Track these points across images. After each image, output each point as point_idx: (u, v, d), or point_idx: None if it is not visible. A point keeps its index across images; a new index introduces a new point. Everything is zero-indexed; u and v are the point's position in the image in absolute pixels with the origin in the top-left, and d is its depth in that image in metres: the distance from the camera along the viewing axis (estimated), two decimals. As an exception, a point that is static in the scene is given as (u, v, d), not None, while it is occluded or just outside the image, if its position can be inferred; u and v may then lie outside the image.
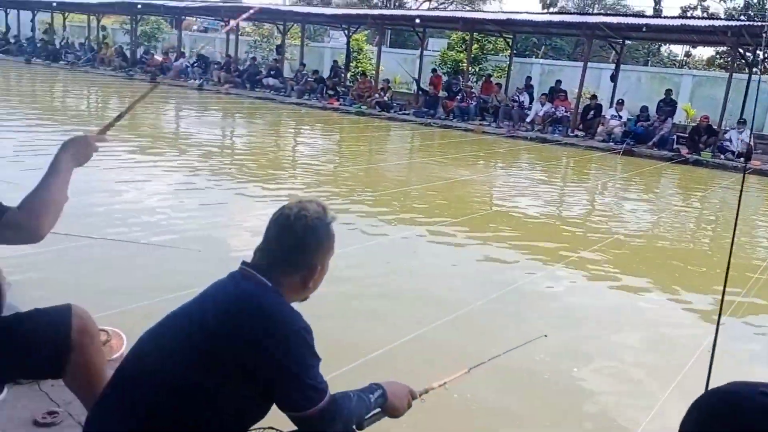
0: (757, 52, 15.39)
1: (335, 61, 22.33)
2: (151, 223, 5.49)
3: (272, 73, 21.15)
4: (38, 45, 27.44)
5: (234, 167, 8.75)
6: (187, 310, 1.60)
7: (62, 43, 27.94)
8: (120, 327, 2.88)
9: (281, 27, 23.27)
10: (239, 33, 24.02)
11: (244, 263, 1.63)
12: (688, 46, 30.32)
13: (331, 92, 19.40)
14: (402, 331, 3.67)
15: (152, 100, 17.11)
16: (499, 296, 4.48)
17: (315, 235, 1.59)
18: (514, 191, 9.20)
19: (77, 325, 1.82)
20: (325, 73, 21.21)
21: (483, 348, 3.13)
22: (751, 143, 13.44)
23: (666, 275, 5.64)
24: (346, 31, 22.22)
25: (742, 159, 13.25)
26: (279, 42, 24.42)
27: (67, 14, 29.84)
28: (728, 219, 8.32)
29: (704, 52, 32.46)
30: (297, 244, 1.58)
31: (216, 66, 22.47)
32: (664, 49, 33.64)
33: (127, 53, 25.08)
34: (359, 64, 23.38)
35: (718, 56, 31.11)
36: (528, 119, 15.87)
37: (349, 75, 21.91)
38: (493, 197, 8.76)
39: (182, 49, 25.71)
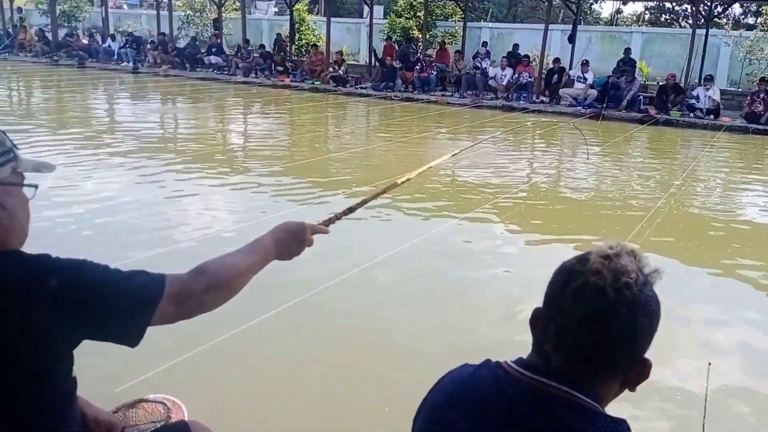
0: (714, 5, 15.37)
1: (278, 34, 21.19)
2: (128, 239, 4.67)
3: (213, 50, 19.86)
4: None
5: (190, 157, 7.85)
6: None
7: (-28, 29, 25.51)
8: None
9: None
10: (171, 8, 22.41)
11: (525, 365, 1.03)
12: (619, 3, 30.39)
13: (280, 68, 18.37)
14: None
15: (84, 87, 15.76)
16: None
17: (648, 316, 0.98)
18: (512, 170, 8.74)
19: None
20: (268, 48, 20.11)
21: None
22: (718, 99, 13.45)
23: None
24: (287, 1, 21.04)
25: (711, 116, 13.24)
26: (215, 15, 23.00)
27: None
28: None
29: (635, 8, 32.47)
30: (625, 335, 0.96)
31: (150, 46, 20.94)
32: (596, 7, 33.42)
33: (49, 36, 23.08)
34: (303, 36, 22.31)
35: (647, 11, 31.45)
36: (504, 84, 15.27)
37: (293, 48, 20.87)
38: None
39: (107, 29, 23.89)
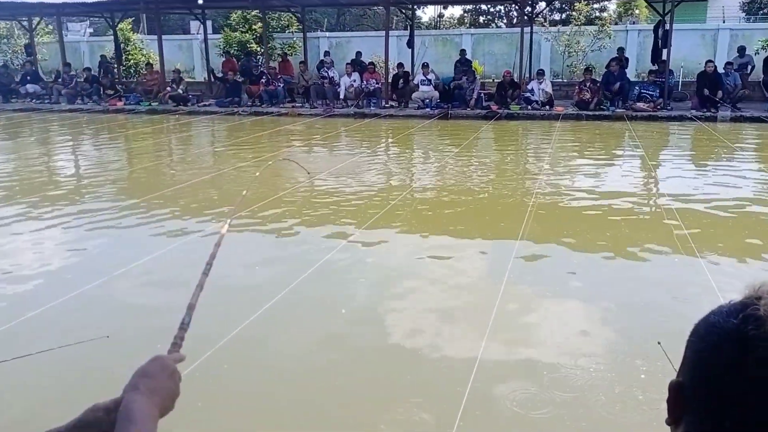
0: (535, 5, 16.53)
1: (103, 56, 19.63)
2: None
3: (28, 78, 17.89)
4: None
5: (19, 196, 6.91)
6: None
7: None
8: None
9: (26, 23, 19.71)
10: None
11: None
12: (440, 8, 31.77)
13: (110, 92, 16.98)
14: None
15: None
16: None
17: None
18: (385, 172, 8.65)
19: None
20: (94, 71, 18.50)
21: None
22: (550, 91, 14.44)
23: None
24: (109, 21, 19.51)
25: (547, 107, 14.17)
26: (25, 41, 20.79)
27: None
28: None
29: (453, 12, 34.15)
30: None
31: (-51, 78, 18.40)
32: (419, 13, 34.58)
33: None
34: (131, 56, 20.85)
35: (465, 14, 33.38)
36: (341, 95, 15.36)
37: (122, 70, 19.43)
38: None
39: None
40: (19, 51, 21.82)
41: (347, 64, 16.16)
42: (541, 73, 14.59)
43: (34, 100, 17.27)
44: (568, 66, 18.75)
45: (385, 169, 9.19)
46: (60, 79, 17.54)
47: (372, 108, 14.99)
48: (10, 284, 4.33)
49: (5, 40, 22.54)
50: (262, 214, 6.00)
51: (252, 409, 2.87)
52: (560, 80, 17.71)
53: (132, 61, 20.72)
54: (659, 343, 2.76)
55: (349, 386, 3.08)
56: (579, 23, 18.67)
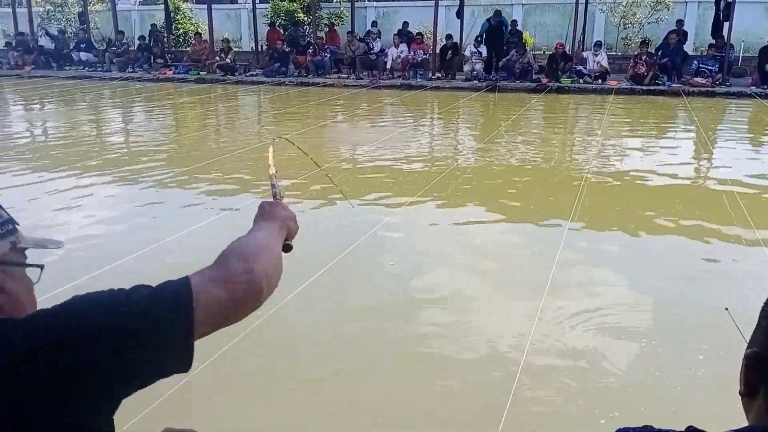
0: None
1: (153, 25, 19.84)
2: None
3: (82, 46, 18.25)
4: None
5: (79, 164, 7.06)
6: None
7: None
8: None
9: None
10: (30, 4, 20.35)
11: None
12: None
13: (160, 61, 17.19)
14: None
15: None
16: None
17: None
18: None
19: None
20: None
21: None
22: (606, 65, 14.00)
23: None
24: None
25: (600, 80, 13.76)
26: (79, 9, 21.18)
27: None
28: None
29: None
30: None
31: (8, 45, 18.92)
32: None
33: None
34: (180, 26, 21.05)
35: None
36: (388, 66, 15.21)
37: (172, 39, 19.63)
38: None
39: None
40: (72, 19, 22.24)
41: (394, 34, 15.95)
42: (598, 45, 14.16)
43: (86, 68, 17.62)
44: (623, 39, 18.10)
45: (431, 142, 9.09)
46: (112, 47, 17.83)
47: (419, 79, 14.81)
48: (66, 246, 4.44)
49: (60, 8, 22.99)
50: (305, 185, 6.00)
51: (285, 379, 2.88)
52: (614, 53, 17.11)
53: (181, 31, 20.91)
54: (727, 309, 2.65)
55: (396, 355, 3.04)
56: (636, -6, 17.97)
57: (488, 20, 15.38)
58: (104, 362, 0.91)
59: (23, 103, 13.30)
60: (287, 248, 1.27)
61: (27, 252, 1.04)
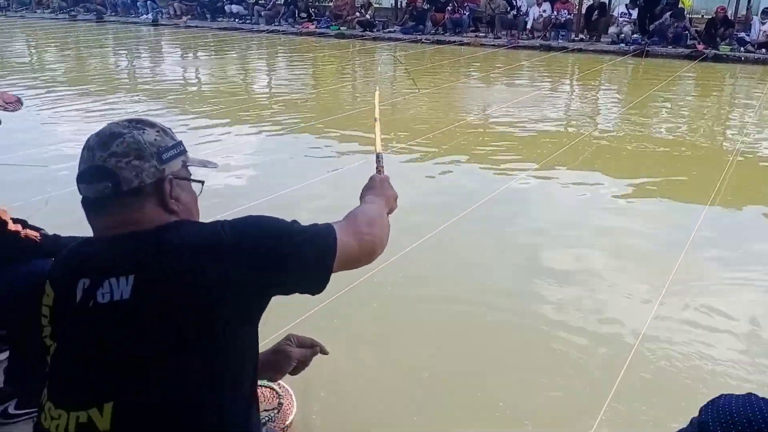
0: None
1: (299, -21, 20.41)
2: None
3: (234, -1, 19.22)
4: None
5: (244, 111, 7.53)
6: None
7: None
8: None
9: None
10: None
11: None
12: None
13: (303, 15, 17.74)
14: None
15: (104, 43, 15.37)
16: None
17: None
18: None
19: None
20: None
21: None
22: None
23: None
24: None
25: (764, 50, 12.49)
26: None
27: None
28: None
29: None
30: None
31: (169, -3, 20.33)
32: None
33: (65, -9, 22.51)
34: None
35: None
36: (528, 26, 14.71)
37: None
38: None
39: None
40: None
41: (539, -7, 15.32)
42: (766, 12, 12.79)
43: (237, 20, 18.57)
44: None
45: (567, 107, 8.76)
46: (261, 1, 18.62)
47: (560, 41, 14.21)
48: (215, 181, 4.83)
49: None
50: (431, 146, 6.05)
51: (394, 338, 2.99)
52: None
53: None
54: None
55: (511, 328, 3.06)
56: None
57: None
58: (271, 266, 1.14)
59: (189, 51, 14.33)
60: None
61: (191, 169, 1.27)
